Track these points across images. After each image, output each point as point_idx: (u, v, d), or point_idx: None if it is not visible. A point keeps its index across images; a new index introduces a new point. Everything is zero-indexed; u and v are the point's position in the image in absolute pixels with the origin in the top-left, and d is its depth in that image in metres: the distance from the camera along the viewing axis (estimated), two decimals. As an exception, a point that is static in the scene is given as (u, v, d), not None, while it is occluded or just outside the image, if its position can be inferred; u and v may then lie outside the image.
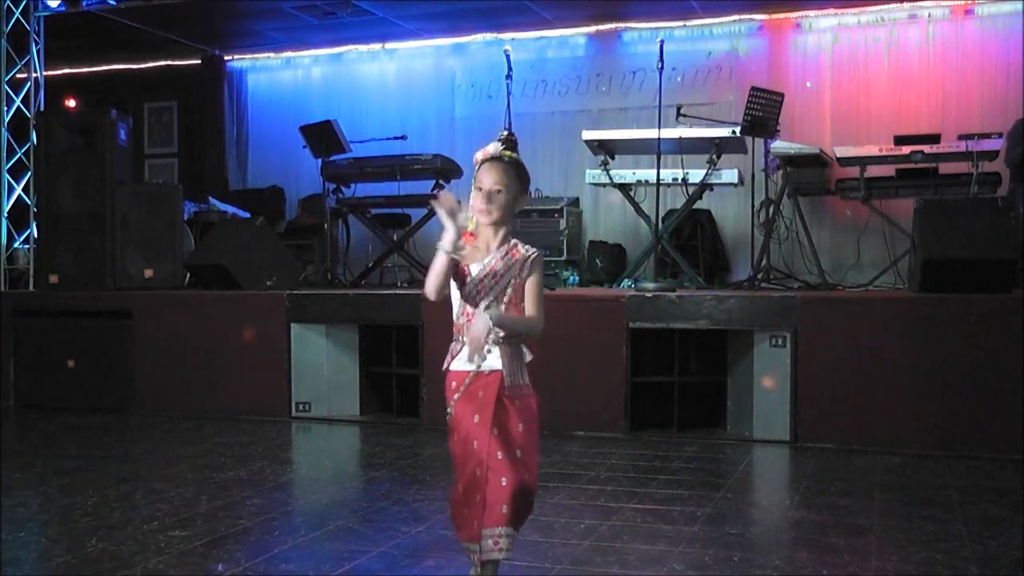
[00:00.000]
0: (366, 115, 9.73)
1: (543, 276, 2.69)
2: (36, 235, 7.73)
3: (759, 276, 6.95)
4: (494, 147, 2.66)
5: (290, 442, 5.66)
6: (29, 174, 8.25)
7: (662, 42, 7.08)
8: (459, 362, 2.62)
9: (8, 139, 8.32)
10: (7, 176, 8.30)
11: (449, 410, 2.63)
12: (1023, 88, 7.79)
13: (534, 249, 2.67)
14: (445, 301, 2.65)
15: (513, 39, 9.27)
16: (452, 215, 2.51)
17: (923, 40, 8.47)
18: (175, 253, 7.13)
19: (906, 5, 8.48)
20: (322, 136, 7.84)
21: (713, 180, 7.19)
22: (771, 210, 7.43)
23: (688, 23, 9.08)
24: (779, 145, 7.45)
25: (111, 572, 3.03)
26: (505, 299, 2.61)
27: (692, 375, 5.60)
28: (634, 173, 7.61)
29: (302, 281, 7.50)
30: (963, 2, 8.37)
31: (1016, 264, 5.21)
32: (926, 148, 7.03)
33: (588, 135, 7.60)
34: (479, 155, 2.67)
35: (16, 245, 8.46)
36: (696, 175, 7.21)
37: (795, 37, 8.87)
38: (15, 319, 6.86)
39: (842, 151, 7.36)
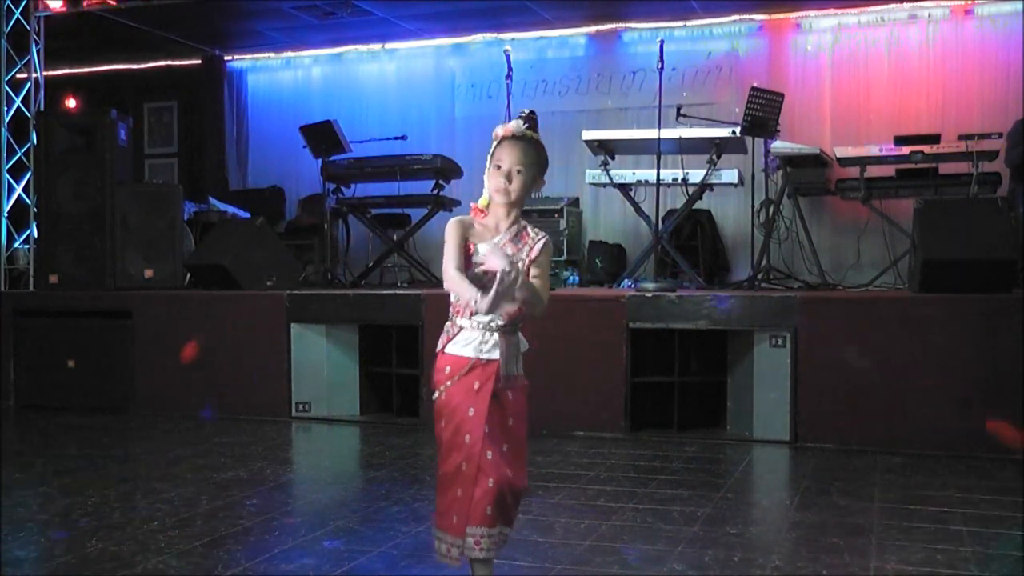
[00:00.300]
0: (366, 115, 9.73)
1: (550, 261, 2.63)
2: (36, 235, 7.73)
3: (759, 276, 6.95)
4: (516, 125, 2.57)
5: (290, 442, 5.66)
6: (29, 174, 8.25)
7: (662, 42, 7.07)
8: (457, 346, 2.54)
9: (8, 139, 8.31)
10: (7, 176, 8.30)
11: (437, 394, 2.56)
12: (1023, 88, 7.80)
13: (544, 234, 2.60)
14: (445, 299, 2.63)
15: (513, 39, 9.28)
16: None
17: (923, 40, 8.47)
18: (175, 253, 7.13)
19: (906, 5, 8.48)
20: (322, 136, 7.83)
21: (713, 180, 7.19)
22: (771, 210, 7.43)
23: (688, 23, 9.08)
24: (779, 145, 7.45)
25: (111, 572, 3.03)
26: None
27: (692, 375, 5.60)
28: (634, 173, 7.62)
29: (302, 281, 7.50)
30: (963, 2, 8.37)
31: (1016, 264, 5.21)
32: (926, 148, 7.03)
33: (588, 135, 7.60)
34: (500, 130, 2.58)
35: (16, 245, 8.45)
36: (696, 175, 7.21)
37: (795, 37, 8.87)
38: (15, 319, 6.86)
39: (842, 151, 7.36)
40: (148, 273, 6.97)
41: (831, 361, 5.12)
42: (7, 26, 8.27)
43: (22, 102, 8.43)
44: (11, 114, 8.37)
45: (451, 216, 9.25)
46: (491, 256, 2.40)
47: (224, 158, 10.57)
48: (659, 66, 6.94)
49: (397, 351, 6.00)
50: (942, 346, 4.95)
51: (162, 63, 10.84)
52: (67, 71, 10.58)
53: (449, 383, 2.54)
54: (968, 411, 4.89)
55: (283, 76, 10.62)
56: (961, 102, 8.26)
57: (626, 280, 7.18)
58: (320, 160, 7.90)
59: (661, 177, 6.92)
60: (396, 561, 3.15)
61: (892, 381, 5.01)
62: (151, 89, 10.98)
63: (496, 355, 2.52)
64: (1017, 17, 8.05)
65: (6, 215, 8.29)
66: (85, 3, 8.51)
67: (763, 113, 6.85)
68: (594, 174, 7.64)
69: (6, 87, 8.31)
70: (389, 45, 10.08)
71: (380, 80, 10.12)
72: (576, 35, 9.53)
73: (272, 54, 10.51)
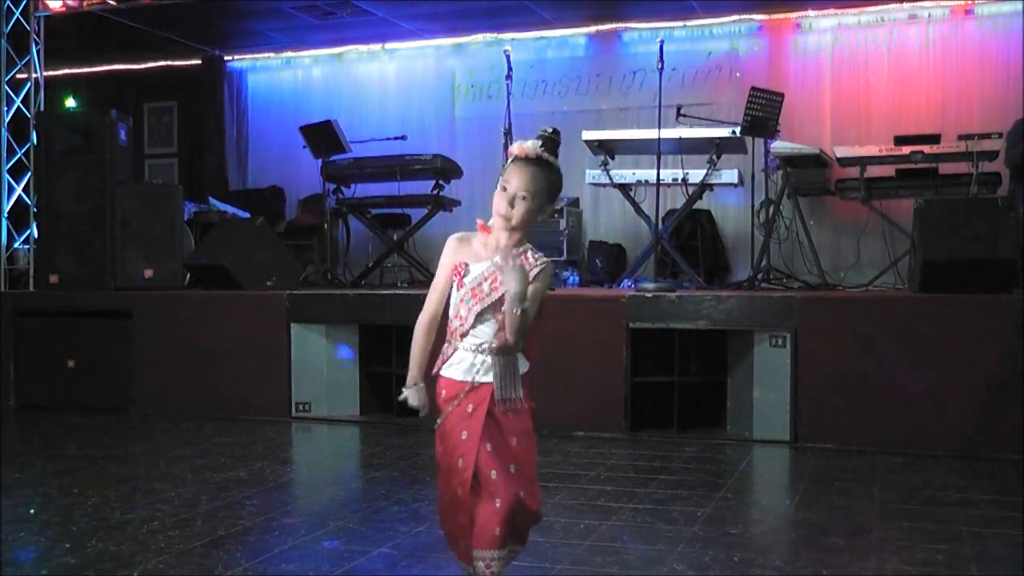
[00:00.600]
0: (366, 115, 9.72)
1: (548, 286, 2.52)
2: (36, 235, 7.73)
3: (759, 276, 6.95)
4: (532, 145, 2.46)
5: (290, 442, 5.66)
6: (29, 174, 8.25)
7: (662, 42, 7.07)
8: (451, 369, 2.49)
9: (8, 139, 8.31)
10: (7, 176, 8.30)
11: (439, 421, 2.50)
12: (1023, 88, 7.80)
13: (544, 259, 2.49)
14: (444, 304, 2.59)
15: (513, 39, 9.27)
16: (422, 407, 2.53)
17: (923, 40, 8.47)
18: (175, 253, 7.12)
19: (906, 5, 8.48)
20: (322, 136, 7.83)
21: (713, 180, 7.19)
22: (771, 210, 7.43)
23: (688, 23, 9.07)
24: (779, 145, 7.45)
25: (111, 572, 3.03)
26: (503, 307, 2.41)
27: (692, 375, 5.60)
28: (634, 173, 7.61)
29: (302, 281, 7.51)
30: (963, 2, 8.37)
31: (1016, 264, 5.20)
32: (926, 148, 7.03)
33: (588, 135, 7.60)
34: (515, 149, 2.47)
35: (16, 245, 8.45)
36: (696, 175, 7.21)
37: (795, 37, 8.87)
38: (15, 319, 6.86)
39: (842, 151, 7.36)
40: (148, 273, 6.97)
41: (831, 361, 5.12)
42: (7, 26, 8.28)
43: (22, 102, 8.43)
44: (11, 114, 8.37)
45: (451, 216, 9.21)
46: (504, 270, 2.37)
47: (224, 158, 10.57)
48: (659, 66, 6.93)
49: (397, 351, 6.00)
50: (942, 346, 4.95)
51: (162, 63, 10.83)
52: (67, 71, 10.58)
53: (449, 408, 2.49)
54: (968, 411, 4.89)
55: (283, 76, 10.62)
56: (961, 102, 8.26)
57: (626, 280, 7.18)
58: (320, 160, 7.90)
59: (661, 177, 6.92)
60: (396, 561, 3.16)
61: (892, 381, 5.01)
62: (151, 89, 10.97)
63: (489, 378, 2.45)
64: (1017, 17, 8.04)
65: (6, 215, 8.29)
66: (85, 3, 8.51)
67: (763, 113, 6.85)
68: (594, 174, 7.63)
69: (6, 87, 8.31)
70: (389, 45, 10.08)
71: (380, 80, 10.12)
72: (576, 35, 9.53)
73: (272, 54, 10.51)
